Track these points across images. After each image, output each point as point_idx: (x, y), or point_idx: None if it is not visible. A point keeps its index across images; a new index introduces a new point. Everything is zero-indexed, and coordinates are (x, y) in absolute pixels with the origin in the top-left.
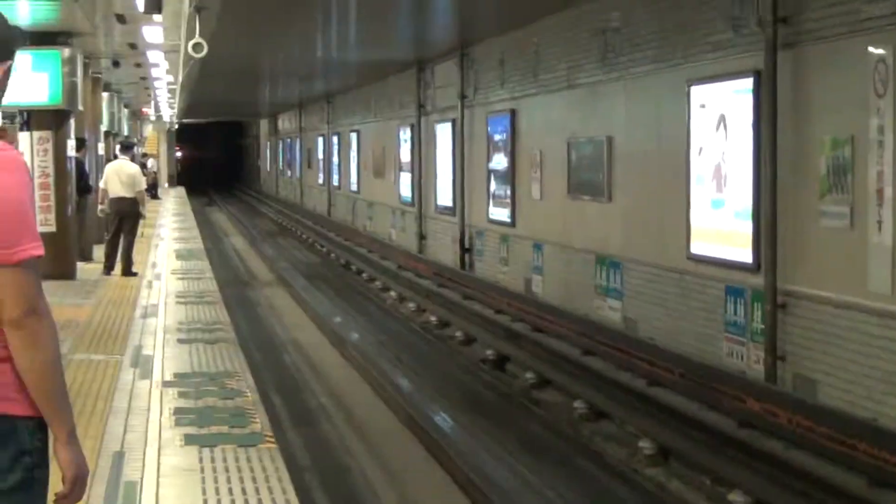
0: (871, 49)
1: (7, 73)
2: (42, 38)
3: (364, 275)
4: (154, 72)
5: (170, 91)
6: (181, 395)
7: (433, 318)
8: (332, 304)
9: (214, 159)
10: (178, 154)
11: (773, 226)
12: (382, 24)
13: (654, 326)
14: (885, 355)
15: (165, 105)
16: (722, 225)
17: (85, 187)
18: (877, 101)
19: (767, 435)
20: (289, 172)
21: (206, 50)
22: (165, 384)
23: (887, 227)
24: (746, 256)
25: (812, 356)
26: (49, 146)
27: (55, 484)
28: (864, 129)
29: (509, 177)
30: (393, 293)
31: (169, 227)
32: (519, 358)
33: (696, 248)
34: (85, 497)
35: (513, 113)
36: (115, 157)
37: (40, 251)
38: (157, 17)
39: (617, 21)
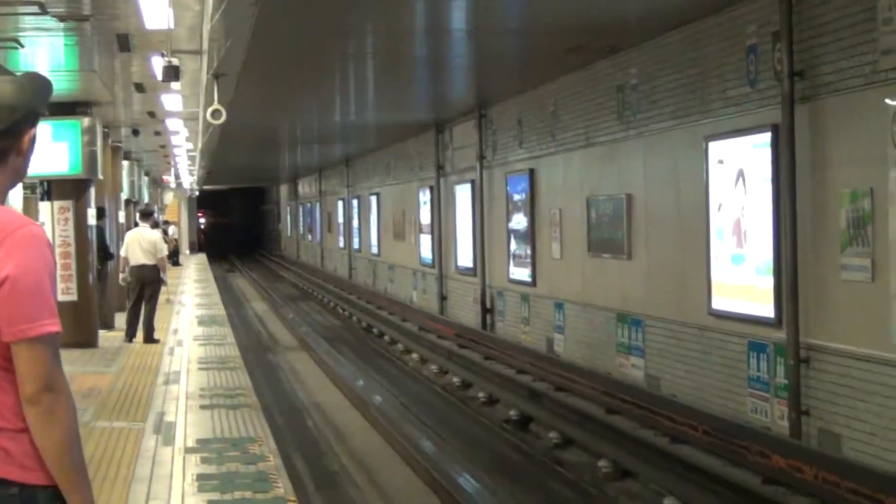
0: (888, 101)
1: (32, 140)
2: (61, 108)
3: (386, 337)
4: (174, 139)
5: (189, 158)
6: (204, 461)
7: (455, 380)
8: (354, 367)
9: (235, 225)
10: (201, 221)
11: (793, 280)
12: (400, 88)
13: (676, 383)
14: None
15: (186, 172)
16: (743, 280)
17: (106, 255)
18: (895, 152)
19: (793, 491)
20: (309, 237)
21: (224, 116)
22: (188, 450)
23: None
24: (768, 311)
25: (836, 410)
26: (69, 215)
27: None
28: (883, 181)
29: (529, 236)
30: (415, 355)
31: (190, 293)
32: (542, 418)
33: (718, 303)
34: None
35: (531, 172)
36: (136, 224)
37: (57, 327)
38: (175, 86)
39: (634, 78)
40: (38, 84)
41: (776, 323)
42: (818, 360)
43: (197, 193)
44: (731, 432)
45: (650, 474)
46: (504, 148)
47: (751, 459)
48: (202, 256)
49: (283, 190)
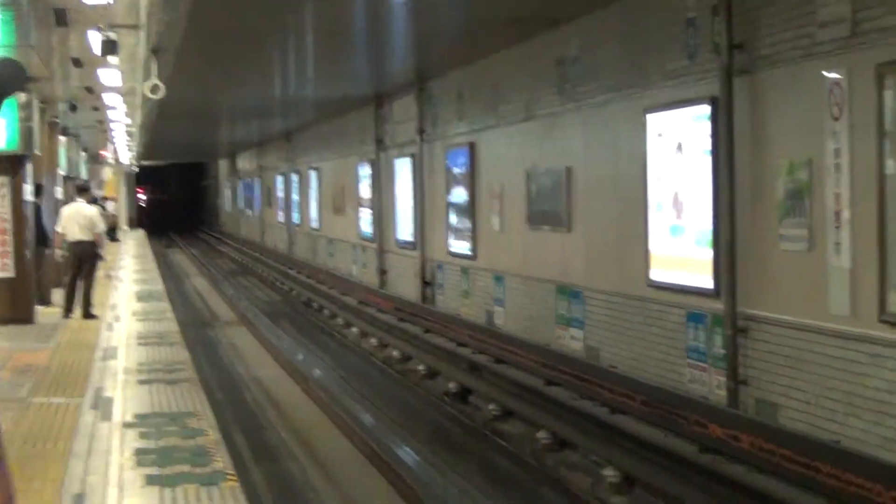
0: (825, 73)
1: None
2: None
3: (326, 311)
4: (111, 115)
5: (128, 134)
6: (142, 435)
7: (395, 353)
8: (294, 341)
9: (174, 201)
10: (141, 197)
11: (732, 251)
12: (339, 61)
13: (616, 354)
14: (846, 377)
15: (124, 148)
16: (682, 251)
17: (42, 237)
18: (832, 124)
19: (730, 459)
20: (249, 212)
21: (163, 91)
22: (126, 425)
23: (845, 250)
24: (706, 282)
25: (773, 380)
26: (6, 191)
27: None
28: (820, 153)
29: (469, 210)
30: (355, 329)
31: (129, 269)
32: (482, 390)
33: (656, 275)
34: None
35: (472, 146)
36: (73, 199)
37: None
38: (113, 60)
39: (574, 51)
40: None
41: (714, 294)
42: (756, 331)
43: (136, 169)
44: (669, 402)
45: (589, 445)
46: (444, 122)
47: (688, 429)
48: (141, 232)
49: (223, 165)
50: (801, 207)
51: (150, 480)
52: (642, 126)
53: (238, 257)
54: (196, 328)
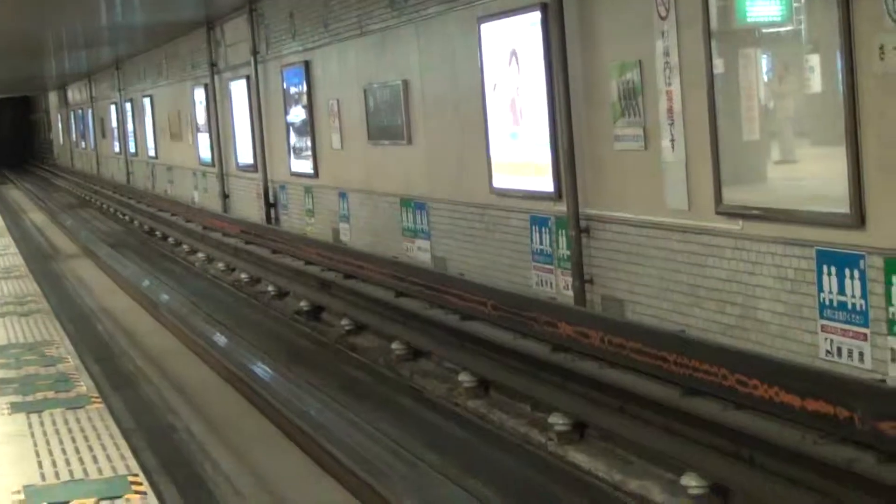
0: None
1: None
2: None
3: (170, 239)
4: None
5: None
6: (1, 366)
7: (244, 276)
8: (139, 270)
9: (3, 136)
10: None
11: (570, 153)
12: None
13: (463, 262)
14: (687, 269)
15: None
16: (521, 157)
17: None
18: (661, 23)
19: (581, 356)
20: (83, 143)
21: None
22: None
23: (679, 145)
24: (547, 185)
25: (618, 276)
26: None
27: None
28: (650, 52)
29: (309, 128)
30: (201, 254)
31: None
32: (333, 306)
33: (498, 181)
34: None
35: (307, 64)
36: None
37: None
38: None
39: None
40: None
41: (556, 196)
42: (598, 230)
43: None
44: (518, 305)
45: (443, 352)
46: (278, 41)
47: (539, 329)
48: None
49: (52, 97)
50: (634, 107)
51: (16, 408)
52: (476, 36)
53: (75, 190)
54: (40, 262)
